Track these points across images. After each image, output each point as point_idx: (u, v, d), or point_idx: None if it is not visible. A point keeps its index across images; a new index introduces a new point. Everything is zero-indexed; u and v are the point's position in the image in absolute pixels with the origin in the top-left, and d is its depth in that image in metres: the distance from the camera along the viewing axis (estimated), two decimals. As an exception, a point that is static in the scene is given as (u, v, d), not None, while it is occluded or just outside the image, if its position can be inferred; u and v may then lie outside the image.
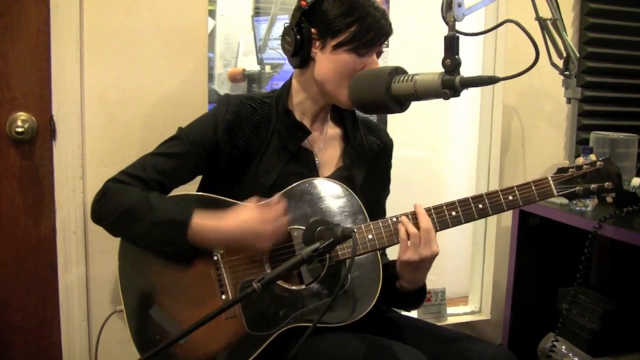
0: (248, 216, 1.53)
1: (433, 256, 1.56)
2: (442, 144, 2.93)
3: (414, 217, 1.58)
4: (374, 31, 1.60)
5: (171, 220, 1.52)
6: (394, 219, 1.60)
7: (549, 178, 1.60)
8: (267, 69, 2.39)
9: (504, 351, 1.59)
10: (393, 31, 1.66)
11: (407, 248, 1.55)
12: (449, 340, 1.62)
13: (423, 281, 1.68)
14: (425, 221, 1.56)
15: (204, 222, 1.53)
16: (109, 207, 1.59)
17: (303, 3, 1.64)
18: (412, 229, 1.55)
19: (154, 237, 1.55)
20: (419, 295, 1.71)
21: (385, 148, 1.86)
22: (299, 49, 1.65)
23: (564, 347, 2.37)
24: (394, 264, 1.66)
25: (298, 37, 1.64)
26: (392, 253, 1.73)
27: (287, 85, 1.76)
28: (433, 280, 2.75)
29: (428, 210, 1.59)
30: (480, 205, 1.59)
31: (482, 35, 2.14)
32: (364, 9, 1.60)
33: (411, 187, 2.65)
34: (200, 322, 1.23)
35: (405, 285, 1.64)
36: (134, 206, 1.55)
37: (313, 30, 1.64)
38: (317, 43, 1.65)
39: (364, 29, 1.59)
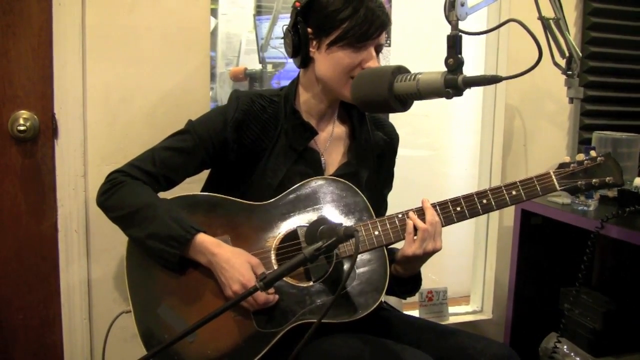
0: (239, 263, 1.52)
1: (436, 251, 1.59)
2: (444, 144, 2.93)
3: (420, 212, 1.60)
4: (367, 24, 1.58)
5: (169, 237, 1.53)
6: (400, 216, 1.61)
7: (551, 173, 1.62)
8: (269, 67, 2.38)
9: (505, 348, 1.58)
10: (391, 22, 1.65)
11: (413, 242, 1.57)
12: (451, 338, 1.62)
13: (418, 270, 1.71)
14: (431, 215, 1.58)
15: (203, 242, 1.54)
16: (115, 203, 1.61)
17: (297, 4, 1.64)
18: (420, 223, 1.57)
19: (148, 245, 1.56)
20: (414, 282, 1.73)
21: (391, 144, 1.86)
22: (297, 50, 1.65)
23: (565, 347, 2.37)
24: (389, 250, 1.68)
25: (295, 38, 1.64)
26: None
27: (295, 84, 1.76)
28: (435, 280, 2.75)
29: (433, 206, 1.61)
30: (485, 201, 1.61)
31: (484, 35, 2.14)
32: (357, 3, 1.58)
33: (413, 187, 2.65)
34: (204, 320, 1.23)
35: (400, 271, 1.67)
36: (138, 211, 1.56)
37: (309, 29, 1.64)
38: (314, 42, 1.64)
39: (357, 22, 1.57)
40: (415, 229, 1.58)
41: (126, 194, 1.60)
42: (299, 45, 1.64)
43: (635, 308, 2.30)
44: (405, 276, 1.68)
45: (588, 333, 2.30)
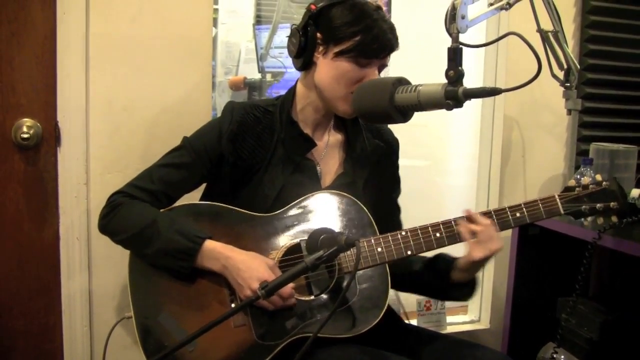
0: (257, 263, 1.54)
1: (499, 249, 1.59)
2: (443, 154, 2.94)
3: (446, 226, 1.61)
4: (378, 43, 1.59)
5: (176, 251, 1.54)
6: (403, 233, 1.61)
7: (556, 196, 1.62)
8: (268, 77, 2.39)
9: (503, 356, 1.60)
10: (399, 46, 1.66)
11: (476, 247, 1.58)
12: (450, 346, 1.63)
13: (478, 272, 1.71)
14: (483, 219, 1.59)
15: (215, 248, 1.56)
16: (117, 226, 1.62)
17: (313, 7, 1.64)
18: (477, 227, 1.58)
19: (158, 262, 1.58)
20: (474, 283, 1.73)
21: (389, 148, 1.87)
22: (301, 51, 1.65)
23: (562, 357, 2.37)
24: (443, 258, 1.72)
25: (303, 39, 1.64)
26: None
27: (291, 93, 1.76)
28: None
29: (436, 225, 1.60)
30: None
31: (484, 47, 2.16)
32: (371, 20, 1.59)
33: (412, 197, 2.65)
34: (204, 329, 1.24)
35: (462, 277, 1.67)
36: (141, 231, 1.57)
37: (318, 34, 1.64)
38: (321, 48, 1.65)
39: (367, 39, 1.58)
40: (474, 233, 1.58)
41: (126, 215, 1.61)
42: (304, 47, 1.64)
43: (632, 318, 2.31)
44: (466, 280, 1.68)
45: (585, 343, 2.30)
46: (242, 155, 1.68)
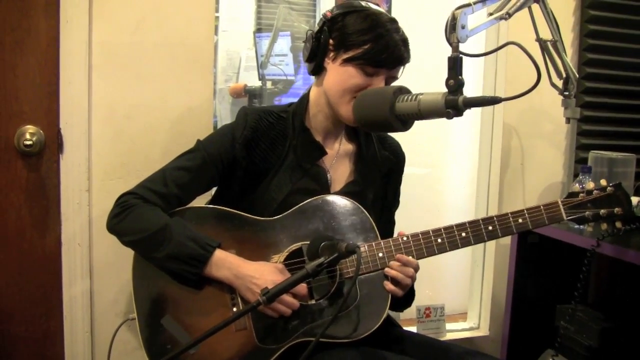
0: (268, 269, 1.57)
1: (414, 279, 1.62)
2: (443, 162, 2.96)
3: (447, 231, 1.62)
4: (386, 53, 1.59)
5: (188, 256, 1.55)
6: (405, 238, 1.62)
7: (559, 202, 1.60)
8: (269, 84, 2.40)
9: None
10: (410, 60, 1.67)
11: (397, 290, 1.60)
12: (449, 353, 1.64)
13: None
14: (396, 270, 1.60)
15: (226, 258, 1.58)
16: (127, 227, 1.61)
17: (328, 13, 1.66)
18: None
19: (167, 266, 1.58)
20: (408, 295, 1.71)
21: (398, 163, 1.88)
22: (313, 56, 1.68)
23: (561, 364, 2.38)
24: None
25: (315, 44, 1.66)
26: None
27: (305, 100, 1.78)
28: (432, 297, 2.77)
29: (438, 230, 1.61)
30: (490, 227, 1.60)
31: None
32: (384, 30, 1.60)
33: (411, 204, 2.67)
34: (208, 333, 1.25)
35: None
36: (153, 234, 1.57)
37: (331, 41, 1.66)
38: (331, 54, 1.66)
39: (376, 48, 1.59)
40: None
41: (138, 218, 1.60)
42: (316, 52, 1.67)
43: (631, 325, 2.32)
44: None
45: (584, 350, 2.31)
46: (254, 160, 1.70)
